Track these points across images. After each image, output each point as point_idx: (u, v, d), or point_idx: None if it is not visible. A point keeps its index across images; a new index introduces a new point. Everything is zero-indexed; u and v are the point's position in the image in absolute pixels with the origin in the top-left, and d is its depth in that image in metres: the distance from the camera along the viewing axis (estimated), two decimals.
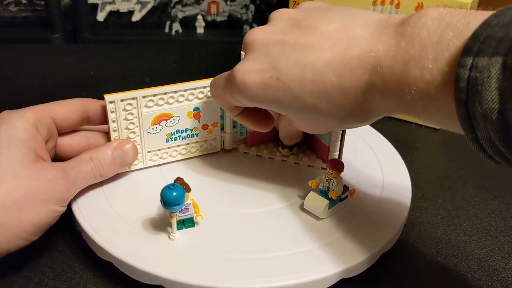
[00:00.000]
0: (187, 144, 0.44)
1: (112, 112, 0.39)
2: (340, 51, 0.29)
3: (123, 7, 1.14)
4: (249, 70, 0.32)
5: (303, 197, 0.39)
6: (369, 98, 0.28)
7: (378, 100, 0.28)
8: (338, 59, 0.29)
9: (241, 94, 0.32)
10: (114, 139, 0.40)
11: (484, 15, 0.24)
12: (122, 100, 0.39)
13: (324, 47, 0.29)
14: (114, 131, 0.40)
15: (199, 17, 1.14)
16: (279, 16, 0.34)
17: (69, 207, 0.37)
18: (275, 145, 0.46)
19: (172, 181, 0.35)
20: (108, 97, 0.38)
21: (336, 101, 0.29)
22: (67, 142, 0.41)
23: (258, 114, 0.38)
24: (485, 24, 0.23)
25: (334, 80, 0.29)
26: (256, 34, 0.33)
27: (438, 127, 0.56)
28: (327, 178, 0.38)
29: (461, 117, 0.24)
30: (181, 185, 0.34)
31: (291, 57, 0.30)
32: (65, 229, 0.39)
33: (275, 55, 0.31)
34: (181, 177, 0.36)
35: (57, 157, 0.41)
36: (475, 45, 0.23)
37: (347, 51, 0.29)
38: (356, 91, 0.28)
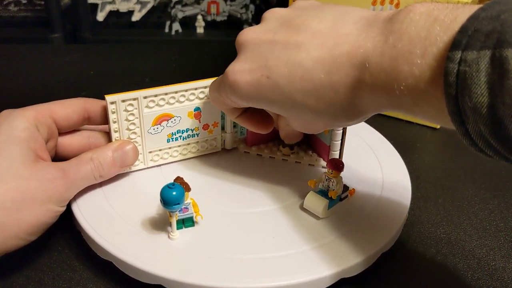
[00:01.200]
0: (188, 144, 0.44)
1: (113, 112, 0.39)
2: (329, 48, 0.29)
3: (123, 7, 1.14)
4: (240, 70, 0.32)
5: (303, 197, 0.39)
6: (359, 95, 0.28)
7: (367, 97, 0.28)
8: (327, 56, 0.29)
9: (234, 93, 0.33)
10: (115, 139, 0.40)
11: (471, 9, 0.24)
12: (123, 101, 0.39)
13: (313, 45, 0.30)
14: (115, 131, 0.40)
15: (199, 17, 1.14)
16: (270, 16, 0.34)
17: (68, 206, 0.37)
18: (276, 144, 0.46)
19: (172, 181, 0.35)
20: (109, 97, 0.38)
21: (326, 99, 0.29)
22: (68, 142, 0.41)
23: (258, 116, 0.38)
24: (473, 18, 0.23)
25: (323, 77, 0.29)
26: (247, 34, 0.33)
27: (437, 126, 0.56)
28: (327, 177, 0.38)
29: (451, 112, 0.24)
30: (180, 185, 0.34)
31: (281, 55, 0.31)
32: (65, 229, 0.39)
33: (265, 54, 0.31)
34: (181, 176, 0.36)
35: (58, 157, 0.41)
36: (464, 39, 0.23)
37: (336, 48, 0.29)
38: (345, 88, 0.28)
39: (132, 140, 0.41)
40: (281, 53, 0.31)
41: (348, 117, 0.30)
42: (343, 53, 0.28)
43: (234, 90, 0.33)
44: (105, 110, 0.40)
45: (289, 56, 0.30)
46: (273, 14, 0.34)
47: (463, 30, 0.23)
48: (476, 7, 0.24)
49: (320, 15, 0.31)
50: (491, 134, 0.23)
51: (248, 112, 0.38)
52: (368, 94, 0.28)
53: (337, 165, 0.37)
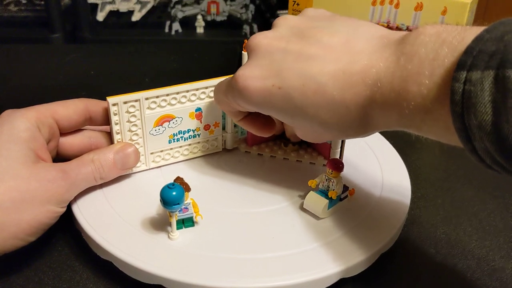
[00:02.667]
0: (189, 144, 0.44)
1: (115, 114, 0.39)
2: (343, 64, 0.29)
3: (123, 7, 1.14)
4: (251, 76, 0.32)
5: (303, 197, 0.39)
6: (369, 113, 0.29)
7: (378, 115, 0.29)
8: (340, 72, 0.29)
9: (243, 99, 0.33)
10: (117, 141, 0.40)
11: (478, 30, 0.24)
12: (125, 102, 0.39)
13: (327, 60, 0.30)
14: (117, 133, 0.40)
15: (199, 17, 1.14)
16: (283, 23, 0.34)
17: (69, 206, 0.37)
18: (276, 143, 0.46)
19: (172, 181, 0.35)
20: (111, 99, 0.38)
21: (337, 114, 0.30)
22: (69, 142, 0.41)
23: (260, 119, 0.38)
24: (478, 39, 0.24)
25: (336, 94, 0.29)
26: (260, 40, 0.33)
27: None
28: (327, 177, 0.38)
29: (458, 129, 0.24)
30: (180, 185, 0.34)
31: (294, 67, 0.31)
32: (65, 229, 0.39)
33: (278, 63, 0.31)
34: (181, 176, 0.36)
35: (59, 157, 0.41)
36: (468, 59, 0.23)
37: (350, 66, 0.29)
38: (356, 105, 0.29)
39: (134, 142, 0.41)
40: (294, 64, 0.31)
41: (357, 132, 0.31)
42: (356, 72, 0.29)
43: (243, 96, 0.33)
44: (106, 111, 0.40)
45: (302, 68, 0.30)
46: (286, 21, 0.34)
47: (468, 51, 0.24)
48: (483, 28, 0.24)
49: (333, 28, 0.31)
50: (497, 151, 0.23)
51: (251, 116, 0.38)
52: (378, 113, 0.29)
53: (337, 165, 0.38)
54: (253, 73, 0.32)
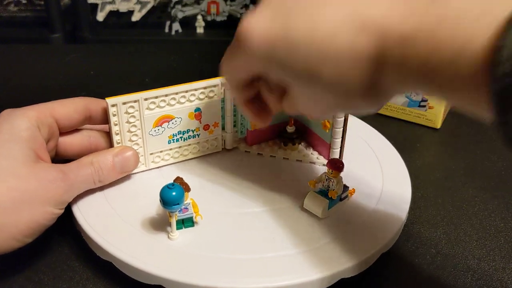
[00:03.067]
0: (189, 145, 0.44)
1: (114, 115, 0.39)
2: (358, 11, 0.25)
3: (123, 7, 1.14)
4: (257, 21, 0.28)
5: (303, 197, 0.39)
6: (383, 69, 0.25)
7: (391, 75, 0.25)
8: (355, 18, 0.25)
9: (245, 47, 0.29)
10: (116, 142, 0.40)
11: None
12: (124, 103, 0.39)
13: (340, 5, 0.26)
14: (116, 134, 0.40)
15: (199, 17, 1.14)
16: None
17: (68, 206, 0.37)
18: (276, 143, 0.46)
19: (172, 181, 0.35)
20: (110, 100, 0.38)
21: (344, 67, 0.26)
22: (69, 141, 0.40)
23: (259, 103, 0.36)
24: None
25: (346, 43, 0.25)
26: None
27: (438, 126, 0.56)
28: (327, 177, 0.38)
29: (495, 93, 0.20)
30: (180, 185, 0.34)
31: (304, 13, 0.27)
32: (65, 229, 0.38)
33: (287, 9, 0.28)
34: (181, 176, 0.36)
35: (58, 157, 0.40)
36: None
37: (366, 12, 0.25)
38: (368, 58, 0.25)
39: (133, 142, 0.41)
40: (304, 10, 0.27)
41: (364, 96, 0.27)
42: (372, 18, 0.25)
43: (246, 43, 0.29)
44: (106, 111, 0.39)
45: (312, 13, 0.27)
46: None
47: None
48: None
49: None
50: None
51: (250, 100, 0.36)
52: (393, 68, 0.25)
53: (337, 165, 0.37)
54: (260, 19, 0.28)
